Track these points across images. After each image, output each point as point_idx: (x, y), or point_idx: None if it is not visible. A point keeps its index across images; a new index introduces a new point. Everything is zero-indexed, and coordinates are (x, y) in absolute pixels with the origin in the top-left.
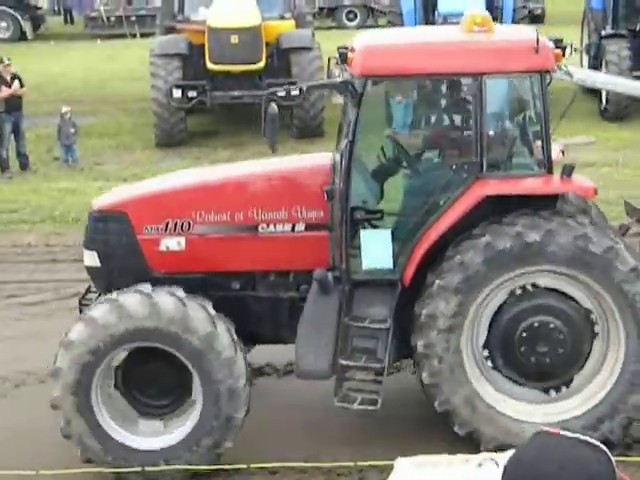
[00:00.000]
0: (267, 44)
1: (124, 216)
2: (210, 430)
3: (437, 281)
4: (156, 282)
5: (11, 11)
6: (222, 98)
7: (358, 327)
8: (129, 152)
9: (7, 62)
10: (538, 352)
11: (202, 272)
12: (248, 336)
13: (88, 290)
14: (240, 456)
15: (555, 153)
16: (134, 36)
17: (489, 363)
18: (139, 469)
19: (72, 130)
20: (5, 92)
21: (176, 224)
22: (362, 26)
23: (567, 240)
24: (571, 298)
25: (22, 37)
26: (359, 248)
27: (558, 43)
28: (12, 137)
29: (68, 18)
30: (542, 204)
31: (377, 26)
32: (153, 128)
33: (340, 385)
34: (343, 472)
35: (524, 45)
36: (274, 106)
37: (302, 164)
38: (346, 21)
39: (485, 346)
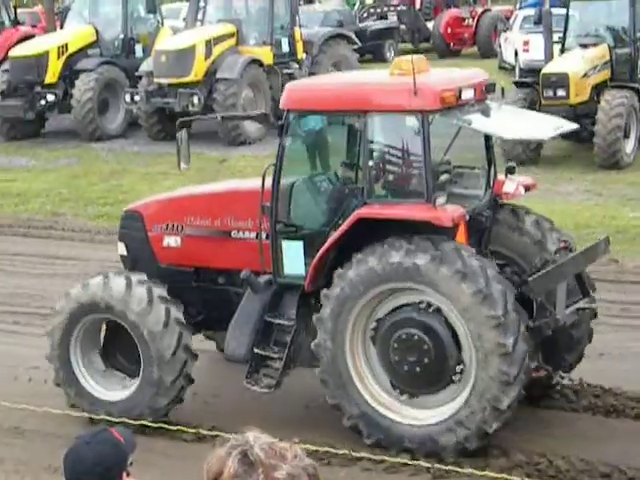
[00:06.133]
0: None
1: (140, 216)
2: (147, 391)
3: (323, 290)
4: (161, 272)
5: None
6: None
7: (274, 323)
8: None
9: None
10: (407, 359)
11: (194, 266)
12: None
13: None
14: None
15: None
16: None
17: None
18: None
19: None
20: None
21: (173, 225)
22: None
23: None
24: (454, 332)
25: None
26: (281, 256)
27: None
28: None
29: None
30: (438, 230)
31: None
32: None
33: (253, 370)
34: None
35: (403, 88)
36: (185, 132)
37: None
38: None
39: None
